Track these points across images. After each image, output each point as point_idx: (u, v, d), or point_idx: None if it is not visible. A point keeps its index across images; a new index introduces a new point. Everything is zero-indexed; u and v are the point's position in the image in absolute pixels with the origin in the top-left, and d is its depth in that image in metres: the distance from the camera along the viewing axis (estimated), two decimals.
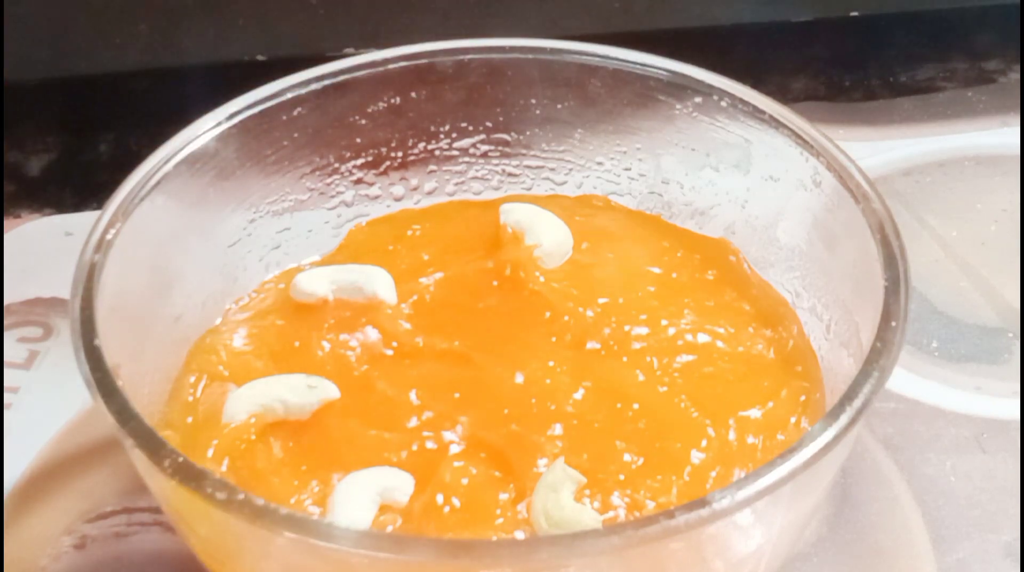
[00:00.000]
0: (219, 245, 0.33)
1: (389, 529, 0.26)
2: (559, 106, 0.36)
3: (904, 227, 0.29)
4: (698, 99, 0.34)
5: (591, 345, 0.30)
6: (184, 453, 0.24)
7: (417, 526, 0.26)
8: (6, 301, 0.40)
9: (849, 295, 0.30)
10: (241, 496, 0.23)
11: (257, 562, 0.25)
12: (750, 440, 0.28)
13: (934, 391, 0.37)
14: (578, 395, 0.29)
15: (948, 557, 0.33)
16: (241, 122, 0.32)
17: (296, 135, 0.34)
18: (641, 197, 0.36)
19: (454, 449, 0.28)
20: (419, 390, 0.29)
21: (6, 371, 0.38)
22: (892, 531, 0.33)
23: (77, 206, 0.45)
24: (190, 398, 0.30)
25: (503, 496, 0.27)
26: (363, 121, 0.35)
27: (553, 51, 0.35)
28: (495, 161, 0.37)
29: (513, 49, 0.35)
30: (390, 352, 0.30)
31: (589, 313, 0.31)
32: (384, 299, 0.31)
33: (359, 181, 0.36)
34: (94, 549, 0.33)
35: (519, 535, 0.26)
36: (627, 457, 0.27)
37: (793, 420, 0.29)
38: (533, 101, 0.36)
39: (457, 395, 0.29)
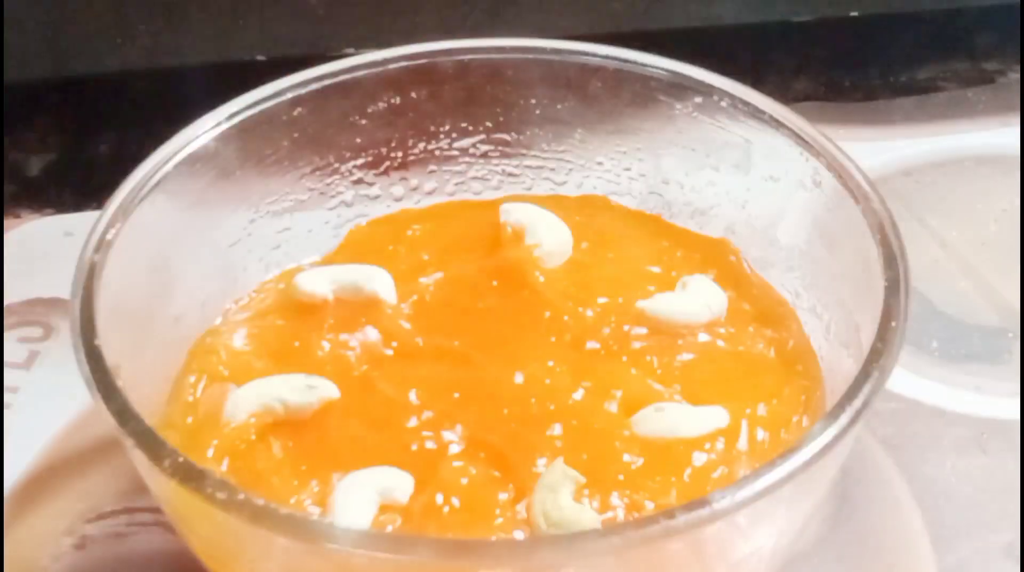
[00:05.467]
0: (219, 245, 0.33)
1: (389, 529, 0.26)
2: (559, 106, 0.36)
3: (904, 227, 0.29)
4: (698, 99, 0.34)
5: (591, 345, 0.30)
6: (184, 453, 0.24)
7: (417, 526, 0.26)
8: (6, 301, 0.40)
9: (849, 295, 0.30)
10: (241, 496, 0.23)
11: (257, 562, 0.25)
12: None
13: (934, 391, 0.37)
14: (578, 395, 0.29)
15: (948, 557, 0.33)
16: (241, 122, 0.32)
17: (296, 135, 0.34)
18: (641, 197, 0.36)
19: (454, 449, 0.28)
20: (419, 390, 0.29)
21: (6, 371, 0.38)
22: (892, 531, 0.33)
23: (77, 206, 0.45)
24: (190, 398, 0.30)
25: (503, 496, 0.27)
26: (363, 121, 0.35)
27: (553, 51, 0.35)
28: (495, 161, 0.37)
29: (513, 49, 0.35)
30: (390, 352, 0.30)
31: (589, 313, 0.31)
32: (384, 299, 0.31)
33: (359, 181, 0.36)
34: (94, 549, 0.33)
35: (519, 535, 0.26)
36: (627, 457, 0.27)
37: (795, 419, 0.29)
38: (533, 101, 0.36)
39: (457, 395, 0.29)
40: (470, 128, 0.36)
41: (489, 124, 0.36)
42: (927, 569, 0.32)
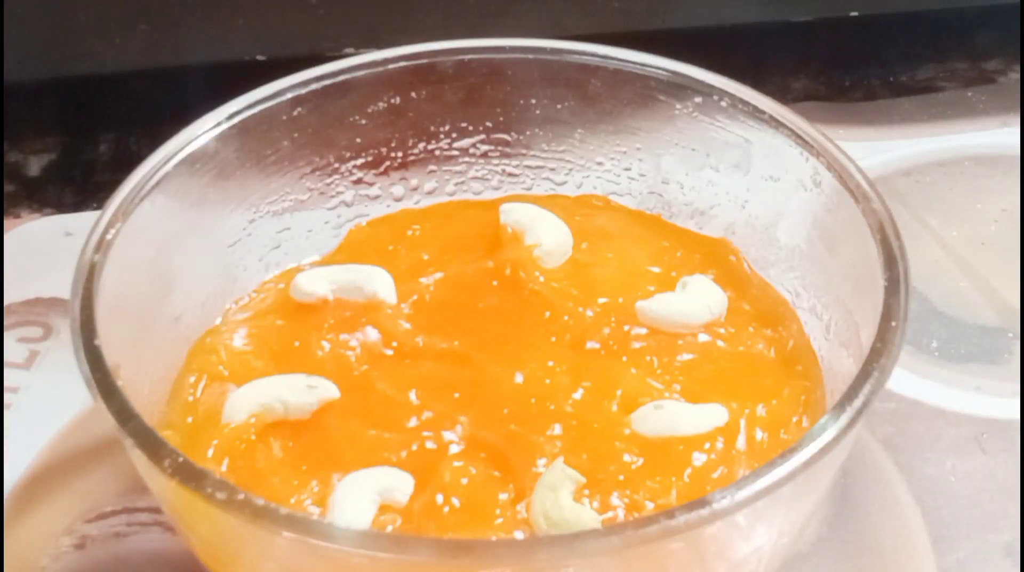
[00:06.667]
0: (219, 245, 0.33)
1: (389, 529, 0.26)
2: (559, 106, 0.36)
3: (904, 227, 0.29)
4: (698, 99, 0.34)
5: (591, 345, 0.30)
6: (184, 453, 0.24)
7: (417, 526, 0.26)
8: (6, 301, 0.40)
9: (849, 295, 0.30)
10: (241, 496, 0.23)
11: (257, 562, 0.25)
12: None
13: (934, 391, 0.37)
14: (577, 395, 0.29)
15: (948, 557, 0.33)
16: (241, 122, 0.32)
17: (296, 135, 0.34)
18: (641, 197, 0.36)
19: (454, 449, 0.28)
20: (419, 390, 0.29)
21: (6, 371, 0.38)
22: (892, 531, 0.33)
23: (77, 206, 0.45)
24: (190, 398, 0.30)
25: (503, 496, 0.27)
26: (363, 121, 0.35)
27: (553, 51, 0.35)
28: (495, 161, 0.37)
29: (513, 49, 0.35)
30: (390, 352, 0.30)
31: (589, 313, 0.31)
32: (384, 299, 0.31)
33: (359, 181, 0.36)
34: (94, 549, 0.33)
35: (518, 535, 0.26)
36: (627, 457, 0.27)
37: (795, 419, 0.29)
38: (533, 101, 0.36)
39: (457, 395, 0.29)
40: (470, 128, 0.36)
41: (489, 124, 0.36)
42: (927, 569, 0.32)
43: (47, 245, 0.43)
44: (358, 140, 0.35)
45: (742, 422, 0.29)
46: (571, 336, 0.31)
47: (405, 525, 0.26)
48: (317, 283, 0.32)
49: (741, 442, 0.28)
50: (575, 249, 0.33)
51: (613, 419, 0.28)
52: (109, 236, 0.28)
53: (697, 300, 0.31)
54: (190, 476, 0.23)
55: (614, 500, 0.26)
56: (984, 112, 0.49)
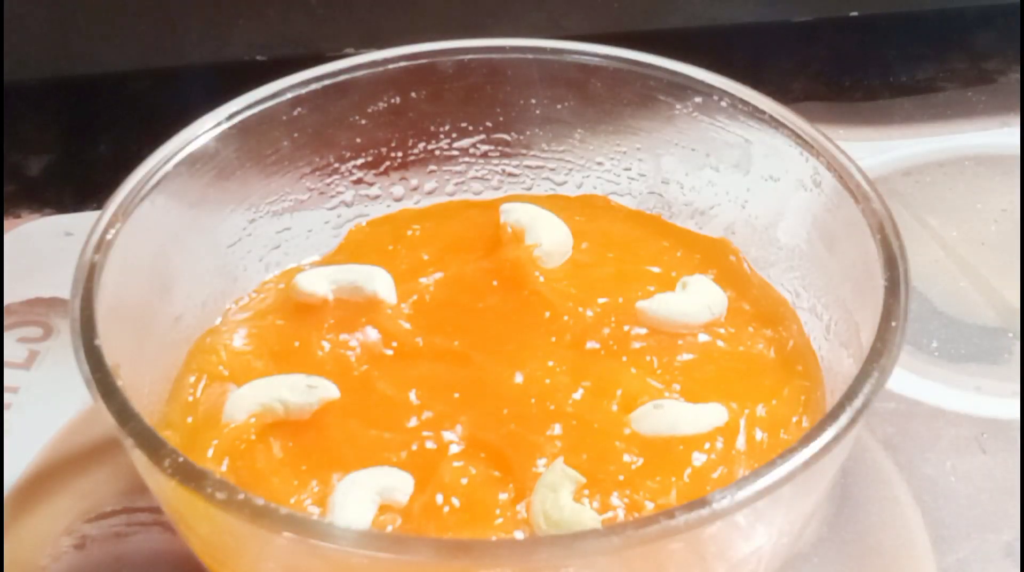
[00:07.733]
0: (219, 245, 0.33)
1: (389, 529, 0.26)
2: (559, 106, 0.36)
3: (904, 227, 0.29)
4: (698, 99, 0.34)
5: (591, 345, 0.30)
6: (184, 453, 0.24)
7: (417, 526, 0.26)
8: (6, 301, 0.40)
9: (849, 295, 0.30)
10: (241, 496, 0.23)
11: (257, 562, 0.25)
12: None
13: (934, 391, 0.37)
14: (577, 395, 0.29)
15: (948, 557, 0.33)
16: (241, 122, 0.32)
17: (296, 135, 0.34)
18: (641, 197, 0.36)
19: (454, 449, 0.28)
20: (419, 390, 0.29)
21: (6, 371, 0.38)
22: (892, 531, 0.33)
23: (77, 206, 0.45)
24: (190, 398, 0.30)
25: (502, 496, 0.27)
26: (363, 121, 0.35)
27: (553, 51, 0.35)
28: (495, 161, 0.37)
29: (513, 49, 0.35)
30: (390, 352, 0.30)
31: (589, 313, 0.31)
32: (384, 299, 0.31)
33: (359, 181, 0.36)
34: (94, 549, 0.33)
35: (518, 535, 0.26)
36: (626, 457, 0.27)
37: (795, 419, 0.29)
38: (533, 101, 0.36)
39: (457, 395, 0.29)
40: (470, 128, 0.36)
41: (489, 124, 0.36)
42: (927, 569, 0.32)
43: (47, 245, 0.43)
44: (358, 140, 0.35)
45: (742, 422, 0.29)
46: (571, 336, 0.31)
47: (405, 525, 0.26)
48: (317, 283, 0.32)
49: (741, 442, 0.28)
50: (575, 249, 0.33)
51: (613, 419, 0.28)
52: (109, 236, 0.28)
53: (697, 300, 0.31)
54: (190, 476, 0.23)
55: (614, 500, 0.26)
56: (984, 112, 0.49)
